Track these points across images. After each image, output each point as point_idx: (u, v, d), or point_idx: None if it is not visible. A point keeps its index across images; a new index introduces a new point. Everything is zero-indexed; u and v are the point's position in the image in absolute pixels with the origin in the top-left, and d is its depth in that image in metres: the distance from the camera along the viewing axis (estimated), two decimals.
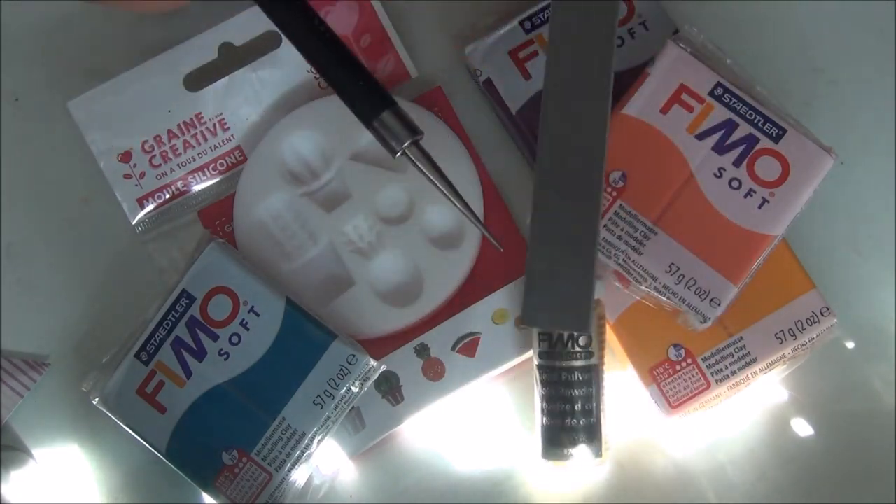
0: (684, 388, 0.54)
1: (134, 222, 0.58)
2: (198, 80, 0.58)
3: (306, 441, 0.53)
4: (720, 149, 0.53)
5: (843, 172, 0.58)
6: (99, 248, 0.59)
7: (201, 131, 0.57)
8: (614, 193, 0.53)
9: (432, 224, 0.56)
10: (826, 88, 0.61)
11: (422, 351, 0.56)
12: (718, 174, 0.53)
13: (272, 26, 0.58)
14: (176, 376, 0.54)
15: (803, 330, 0.54)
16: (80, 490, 0.57)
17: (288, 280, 0.56)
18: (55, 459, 0.58)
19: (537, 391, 0.54)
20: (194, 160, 0.57)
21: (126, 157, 0.58)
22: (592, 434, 0.53)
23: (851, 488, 0.57)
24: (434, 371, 0.56)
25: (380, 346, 0.56)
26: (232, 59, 0.58)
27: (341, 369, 0.53)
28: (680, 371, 0.54)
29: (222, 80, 0.58)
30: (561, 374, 0.53)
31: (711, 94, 0.53)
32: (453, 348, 0.56)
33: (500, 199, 0.58)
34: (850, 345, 0.58)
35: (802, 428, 0.57)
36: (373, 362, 0.53)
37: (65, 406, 0.58)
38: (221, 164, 0.58)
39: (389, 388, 0.56)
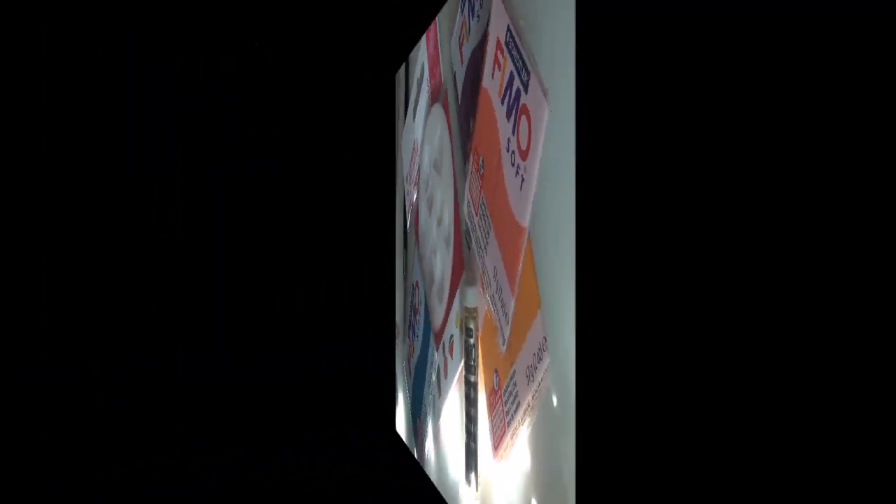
0: (497, 424, 0.43)
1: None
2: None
3: None
4: (509, 114, 0.41)
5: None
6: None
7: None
8: (480, 182, 0.47)
9: (443, 223, 0.58)
10: None
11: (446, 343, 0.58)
12: (508, 149, 0.41)
13: None
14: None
15: (535, 369, 0.36)
16: None
17: None
18: None
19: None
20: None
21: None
22: (471, 462, 0.48)
23: None
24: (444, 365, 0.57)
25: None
26: None
27: None
28: (497, 403, 0.43)
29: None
30: (469, 390, 0.50)
31: (506, 42, 0.41)
32: (452, 348, 0.56)
33: None
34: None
35: None
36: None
37: None
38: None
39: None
